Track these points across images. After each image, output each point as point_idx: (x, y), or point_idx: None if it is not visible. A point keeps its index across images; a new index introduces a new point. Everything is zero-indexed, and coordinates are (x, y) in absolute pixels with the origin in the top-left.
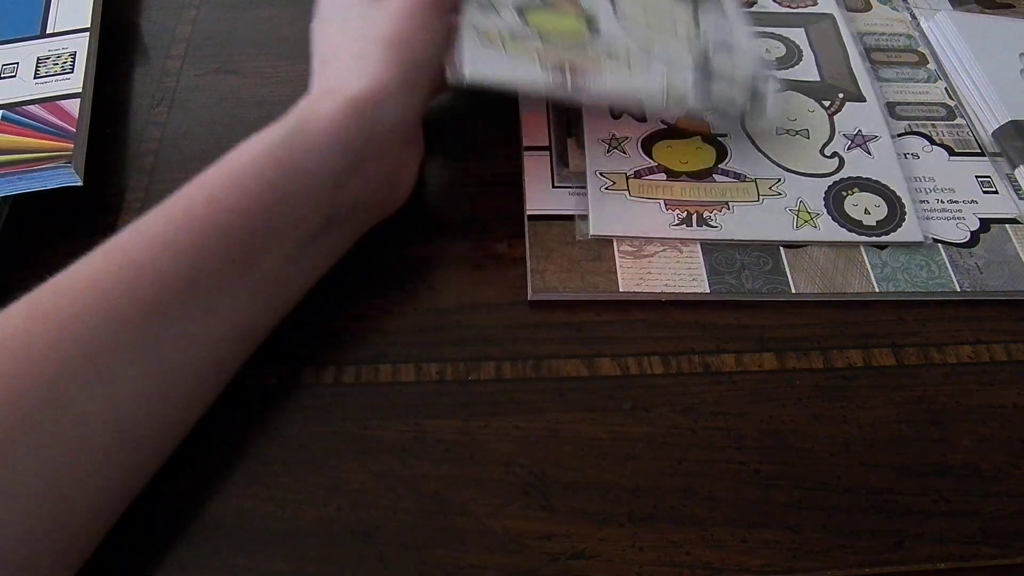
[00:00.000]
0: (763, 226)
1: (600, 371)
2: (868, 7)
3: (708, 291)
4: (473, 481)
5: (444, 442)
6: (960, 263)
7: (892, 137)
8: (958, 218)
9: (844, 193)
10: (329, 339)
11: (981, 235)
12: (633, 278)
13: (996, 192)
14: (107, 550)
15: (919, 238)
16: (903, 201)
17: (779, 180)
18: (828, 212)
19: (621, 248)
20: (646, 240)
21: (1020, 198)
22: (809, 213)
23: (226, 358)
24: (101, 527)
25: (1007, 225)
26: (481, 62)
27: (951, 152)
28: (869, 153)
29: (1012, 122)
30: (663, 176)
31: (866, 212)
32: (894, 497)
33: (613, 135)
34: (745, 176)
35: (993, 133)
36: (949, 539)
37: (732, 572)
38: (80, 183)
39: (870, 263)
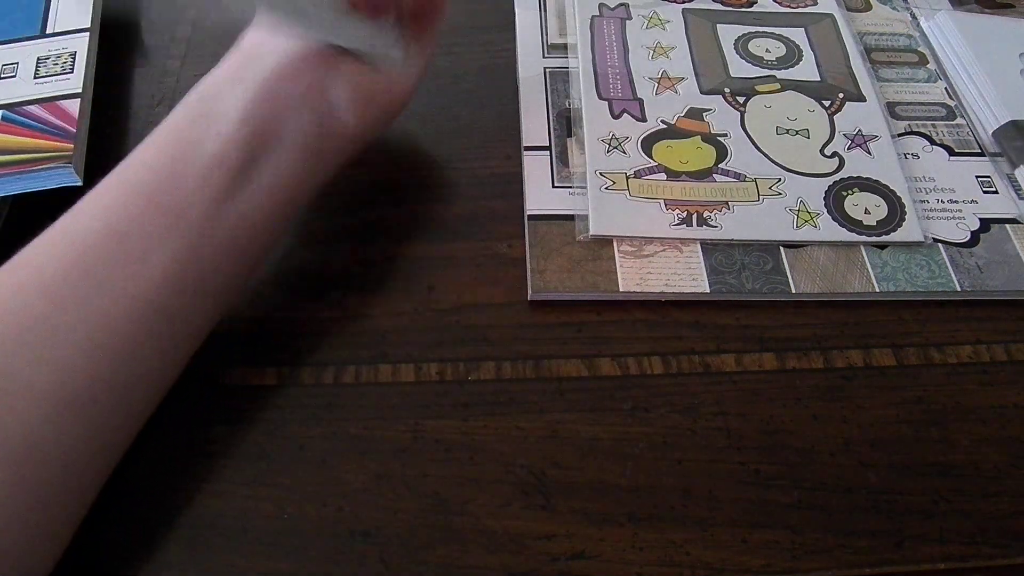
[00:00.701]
0: (763, 226)
1: (600, 371)
2: (868, 7)
3: (708, 291)
4: (473, 481)
5: (444, 442)
6: (960, 263)
7: (892, 137)
8: (958, 218)
9: (844, 193)
10: (329, 339)
11: (981, 235)
12: (633, 278)
13: (996, 192)
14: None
15: (919, 238)
16: (903, 201)
17: (779, 180)
18: (828, 212)
19: (621, 248)
20: (646, 240)
21: (1020, 198)
22: (809, 213)
23: (170, 304)
24: (74, 505)
25: (1007, 225)
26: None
27: (951, 152)
28: (869, 153)
29: (1012, 122)
30: (663, 176)
31: (866, 212)
32: (894, 497)
33: (613, 135)
34: (745, 176)
35: (993, 133)
36: (949, 539)
37: (732, 572)
38: (80, 183)
39: (870, 263)
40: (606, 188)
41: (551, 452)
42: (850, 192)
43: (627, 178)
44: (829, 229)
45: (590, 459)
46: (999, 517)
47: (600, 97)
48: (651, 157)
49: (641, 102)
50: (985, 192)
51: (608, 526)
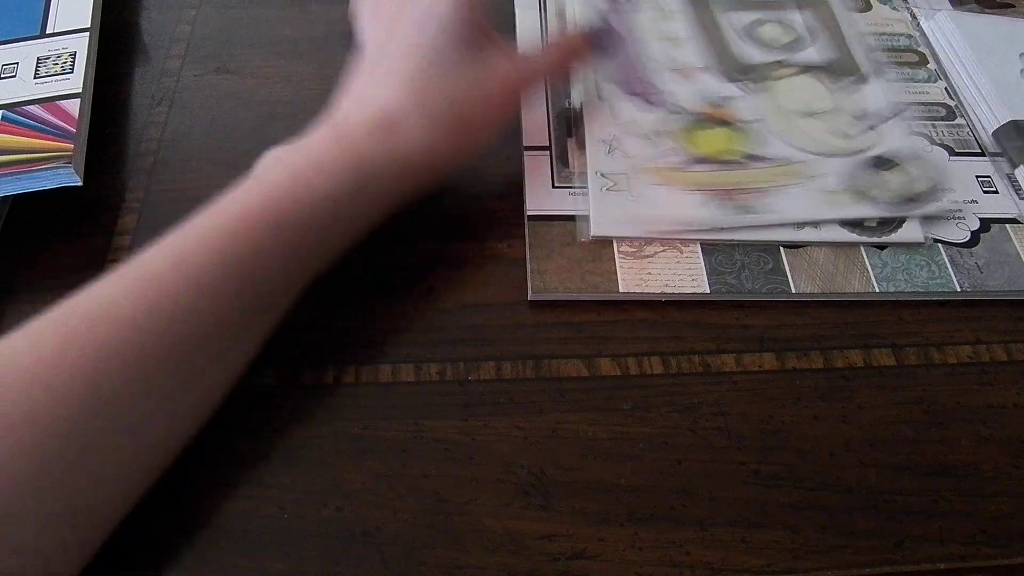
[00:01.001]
0: (798, 207)
1: (600, 371)
2: (868, 7)
3: (708, 291)
4: (473, 481)
5: (444, 442)
6: (960, 263)
7: (900, 116)
8: (958, 218)
9: (871, 171)
10: (329, 339)
11: (981, 235)
12: (633, 278)
13: (996, 192)
14: (107, 551)
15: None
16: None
17: (806, 163)
18: (855, 191)
19: (621, 248)
20: (646, 240)
21: (1020, 198)
22: (840, 192)
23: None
24: (111, 526)
25: (1007, 225)
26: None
27: (951, 152)
28: (888, 132)
29: (1012, 122)
30: (695, 165)
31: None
32: (894, 497)
33: (614, 135)
34: (773, 160)
35: (993, 133)
36: (949, 539)
37: (732, 572)
38: (80, 183)
39: (870, 263)
40: (607, 188)
41: (551, 452)
42: (878, 169)
43: (659, 169)
44: (861, 207)
45: (590, 459)
46: (999, 517)
47: (623, 92)
48: (683, 147)
49: (663, 93)
50: (985, 192)
51: (608, 526)
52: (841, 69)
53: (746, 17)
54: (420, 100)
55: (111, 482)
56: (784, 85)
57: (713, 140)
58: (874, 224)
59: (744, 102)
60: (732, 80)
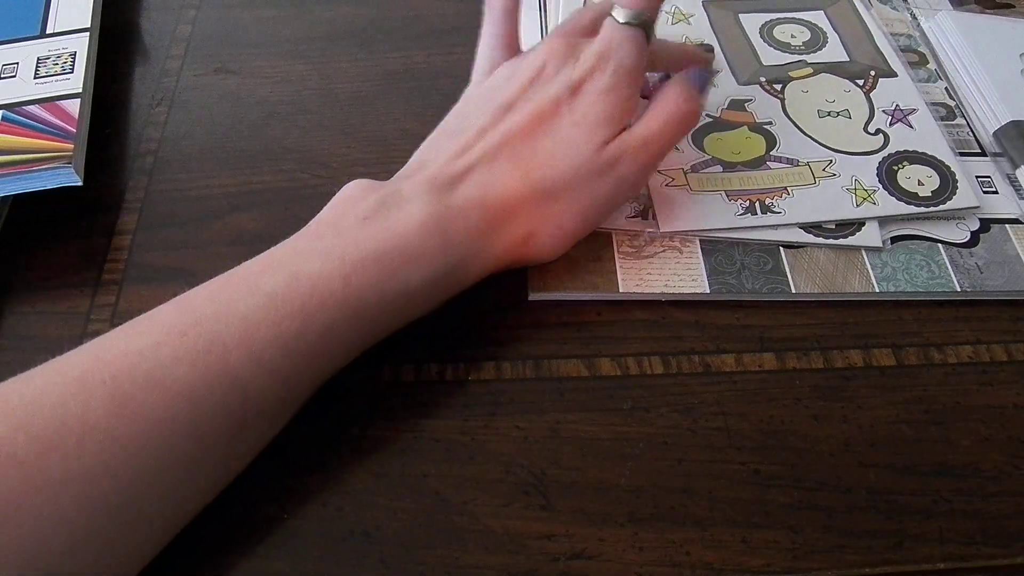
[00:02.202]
0: (824, 206)
1: (600, 371)
2: (868, 7)
3: (708, 291)
4: (473, 481)
5: (444, 442)
6: (960, 263)
7: (929, 108)
8: (958, 218)
9: (895, 167)
10: None
11: (981, 235)
12: (633, 278)
13: (996, 192)
14: None
15: (975, 203)
16: (953, 170)
17: (831, 161)
18: (884, 187)
19: (621, 249)
20: (647, 240)
21: (1021, 198)
22: (866, 190)
23: None
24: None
25: (1007, 225)
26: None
27: (952, 152)
28: (911, 127)
29: (1013, 122)
30: (719, 168)
31: (919, 184)
32: (894, 497)
33: None
34: (797, 160)
35: (994, 133)
36: (949, 539)
37: (732, 572)
38: (80, 183)
39: (870, 263)
40: (667, 184)
41: (551, 452)
42: (901, 166)
43: (685, 173)
44: (887, 204)
45: (590, 459)
46: (999, 517)
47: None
48: (703, 150)
49: None
50: (985, 192)
51: (608, 526)
52: (859, 67)
53: (762, 18)
54: (536, 203)
55: (143, 548)
56: (802, 85)
57: (730, 142)
58: (832, 226)
59: (761, 103)
60: (749, 82)
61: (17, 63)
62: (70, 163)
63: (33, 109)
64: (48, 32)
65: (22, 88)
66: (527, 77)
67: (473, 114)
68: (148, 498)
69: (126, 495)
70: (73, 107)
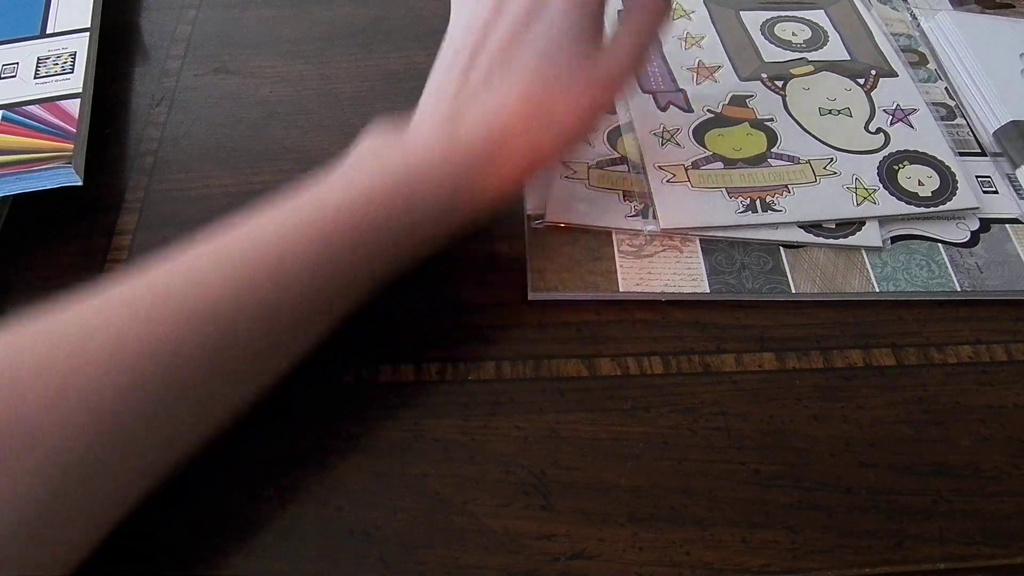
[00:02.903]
0: (825, 205)
1: (600, 371)
2: (868, 7)
3: (708, 291)
4: (473, 481)
5: (444, 442)
6: (960, 263)
7: (930, 108)
8: (958, 218)
9: (896, 167)
10: (329, 339)
11: (981, 235)
12: (633, 278)
13: (996, 192)
14: (105, 551)
15: (975, 204)
16: (953, 170)
17: (831, 159)
18: (884, 187)
19: (621, 248)
20: (647, 240)
21: (1021, 198)
22: (866, 189)
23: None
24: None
25: (1007, 225)
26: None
27: (952, 152)
28: (912, 126)
29: (1013, 122)
30: (720, 165)
31: (920, 184)
32: (894, 497)
33: (664, 127)
34: (798, 158)
35: (994, 133)
36: (949, 539)
37: (732, 572)
38: (80, 183)
39: (870, 263)
40: (667, 181)
41: (551, 452)
42: (901, 166)
43: (686, 169)
44: (887, 203)
45: (590, 459)
46: (999, 517)
47: (643, 90)
48: (704, 147)
49: (684, 93)
50: (985, 192)
51: (608, 526)
52: (860, 66)
53: (763, 15)
54: (535, 113)
55: (176, 450)
56: (803, 83)
57: (731, 139)
58: (832, 226)
59: (762, 100)
60: (750, 78)
61: (17, 63)
62: (70, 163)
63: (33, 109)
64: (48, 32)
65: (22, 88)
66: None
67: (459, 41)
68: (182, 404)
69: (160, 398)
70: (73, 107)
